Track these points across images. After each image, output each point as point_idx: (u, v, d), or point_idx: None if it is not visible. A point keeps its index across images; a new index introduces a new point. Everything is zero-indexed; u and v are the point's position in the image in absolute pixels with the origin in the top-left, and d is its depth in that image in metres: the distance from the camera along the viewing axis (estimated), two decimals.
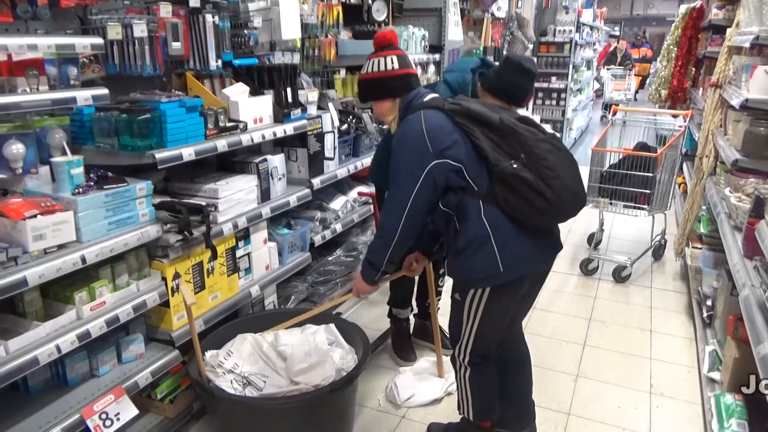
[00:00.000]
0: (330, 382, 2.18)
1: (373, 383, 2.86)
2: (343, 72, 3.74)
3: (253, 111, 2.58)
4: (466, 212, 1.90)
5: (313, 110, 3.04)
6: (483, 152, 1.88)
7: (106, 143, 2.12)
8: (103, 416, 1.98)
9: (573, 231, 5.04)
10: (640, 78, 12.51)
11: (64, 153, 2.00)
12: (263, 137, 2.55)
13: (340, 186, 3.51)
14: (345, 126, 3.30)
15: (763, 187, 2.59)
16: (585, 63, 9.92)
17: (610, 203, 4.15)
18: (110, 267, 2.10)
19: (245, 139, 2.44)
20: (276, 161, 2.78)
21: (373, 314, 3.48)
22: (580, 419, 2.63)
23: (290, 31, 2.83)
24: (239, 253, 2.60)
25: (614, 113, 4.68)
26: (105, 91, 1.94)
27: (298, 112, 2.81)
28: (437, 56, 4.57)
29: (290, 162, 2.99)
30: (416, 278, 3.03)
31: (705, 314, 3.19)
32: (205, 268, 2.41)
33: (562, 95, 8.47)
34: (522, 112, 2.20)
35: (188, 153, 2.17)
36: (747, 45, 3.05)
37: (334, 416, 2.27)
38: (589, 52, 10.37)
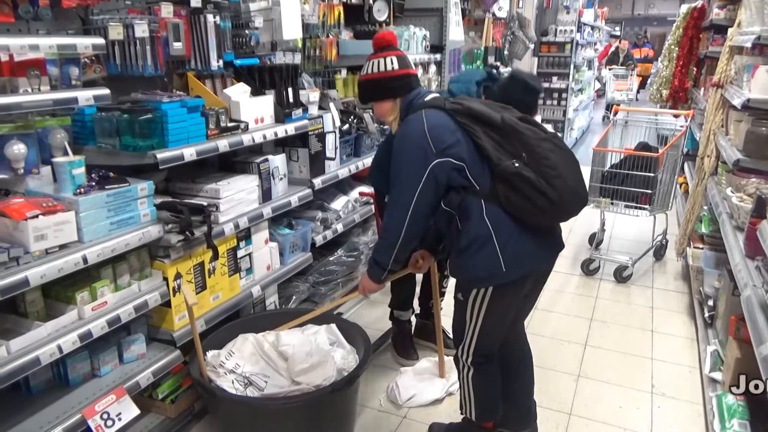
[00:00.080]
0: (331, 382, 2.18)
1: (375, 383, 2.85)
2: (344, 72, 3.74)
3: (255, 111, 2.58)
4: (468, 211, 1.90)
5: (314, 110, 3.04)
6: (485, 151, 1.88)
7: (108, 143, 2.12)
8: (105, 416, 1.98)
9: (574, 231, 5.04)
10: (641, 78, 12.49)
11: (66, 153, 2.01)
12: (264, 137, 2.55)
13: (341, 186, 3.51)
14: (346, 126, 3.30)
15: (764, 187, 2.59)
16: (586, 63, 9.92)
17: (612, 203, 4.15)
18: (112, 267, 2.10)
19: (246, 139, 2.44)
20: (277, 161, 2.78)
21: (374, 314, 3.48)
22: (581, 419, 2.63)
23: (291, 31, 2.83)
24: (240, 253, 2.60)
25: (615, 113, 4.68)
26: (106, 91, 1.94)
27: (299, 112, 2.81)
28: (438, 56, 4.57)
29: (291, 162, 2.99)
30: (419, 278, 3.03)
31: (706, 314, 3.18)
32: (207, 269, 2.41)
33: (563, 95, 8.47)
34: None
35: (189, 153, 2.17)
36: (748, 45, 3.05)
37: (335, 416, 2.27)
38: (590, 52, 10.37)
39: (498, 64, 5.63)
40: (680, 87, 5.99)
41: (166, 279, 2.24)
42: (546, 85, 8.45)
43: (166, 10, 2.24)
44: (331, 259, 3.38)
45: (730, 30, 3.67)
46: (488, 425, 2.28)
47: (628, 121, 4.67)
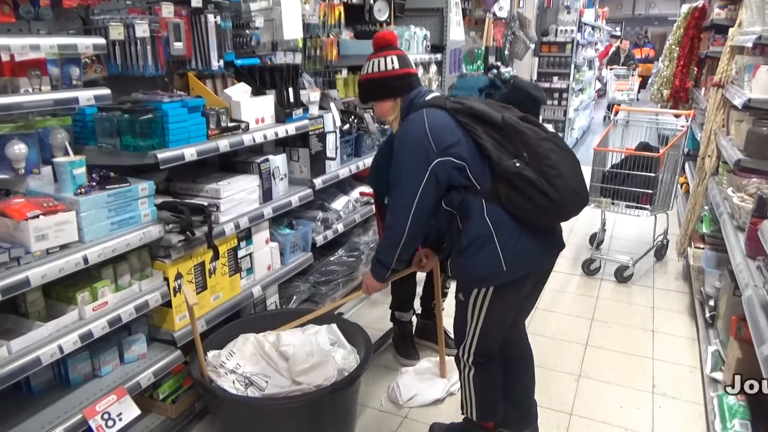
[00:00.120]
0: (332, 382, 2.17)
1: (375, 383, 2.85)
2: (344, 72, 3.74)
3: (255, 111, 2.58)
4: (469, 211, 1.90)
5: (314, 110, 3.04)
6: (486, 151, 1.88)
7: (108, 143, 2.12)
8: (106, 416, 1.98)
9: (575, 231, 5.04)
10: (641, 78, 12.49)
11: (67, 153, 2.01)
12: (265, 137, 2.55)
13: (341, 186, 3.51)
14: (347, 126, 3.30)
15: (765, 187, 2.59)
16: (587, 63, 9.91)
17: (612, 203, 4.15)
18: (112, 267, 2.10)
19: (247, 139, 2.44)
20: (278, 161, 2.78)
21: (375, 314, 3.48)
22: (582, 419, 2.63)
23: (292, 31, 2.83)
24: (241, 253, 2.60)
25: (616, 113, 4.67)
26: (107, 91, 1.94)
27: (299, 112, 2.81)
28: (439, 56, 4.57)
29: (292, 162, 2.99)
30: (421, 278, 3.03)
31: (707, 314, 3.18)
32: (207, 269, 2.41)
33: (564, 95, 8.46)
34: None
35: (190, 153, 2.17)
36: (749, 45, 3.05)
37: (336, 416, 2.27)
38: (591, 52, 10.37)
39: (499, 64, 5.63)
40: (681, 87, 5.99)
41: (166, 279, 2.24)
42: (546, 85, 8.46)
43: (167, 10, 2.24)
44: (331, 259, 3.38)
45: (731, 30, 3.67)
46: (489, 425, 2.28)
47: (629, 121, 4.67)
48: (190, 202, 2.30)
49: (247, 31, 2.64)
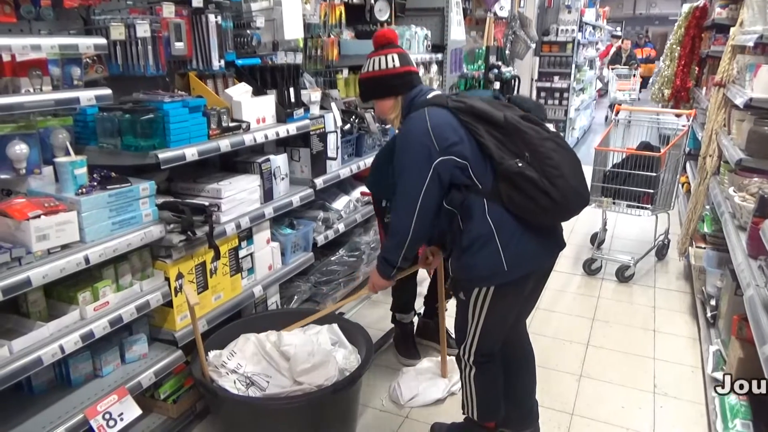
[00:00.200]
0: (333, 382, 2.17)
1: (376, 383, 2.85)
2: (345, 72, 3.74)
3: (256, 111, 2.58)
4: (471, 210, 1.90)
5: (315, 110, 3.04)
6: (488, 150, 1.88)
7: (110, 143, 2.12)
8: (107, 416, 1.98)
9: (576, 231, 5.04)
10: (642, 78, 12.49)
11: (68, 153, 2.01)
12: (266, 137, 2.55)
13: (342, 186, 3.51)
14: (348, 126, 3.30)
15: (767, 187, 2.58)
16: (587, 62, 9.91)
17: (614, 203, 4.15)
18: (113, 267, 2.10)
19: (248, 139, 2.44)
20: (279, 161, 2.78)
21: (376, 314, 3.48)
22: (583, 419, 2.63)
23: (293, 31, 2.83)
24: (242, 253, 2.60)
25: (617, 113, 4.67)
26: (108, 91, 1.94)
27: (300, 112, 2.81)
28: (440, 56, 4.56)
29: (293, 162, 2.99)
30: (422, 278, 3.03)
31: (709, 314, 3.18)
32: (208, 268, 2.41)
33: (565, 95, 8.46)
34: None
35: (191, 153, 2.17)
36: (751, 44, 3.04)
37: (337, 416, 2.27)
38: (592, 52, 10.36)
39: (500, 63, 5.63)
40: (682, 86, 5.99)
41: (167, 279, 2.24)
42: (547, 84, 8.47)
43: (168, 10, 2.24)
44: (332, 258, 3.38)
45: (732, 29, 3.66)
46: (490, 425, 2.27)
47: (631, 121, 4.66)
48: (191, 202, 2.30)
49: (248, 31, 2.64)
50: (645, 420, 2.63)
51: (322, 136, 3.01)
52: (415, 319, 3.18)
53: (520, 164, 1.84)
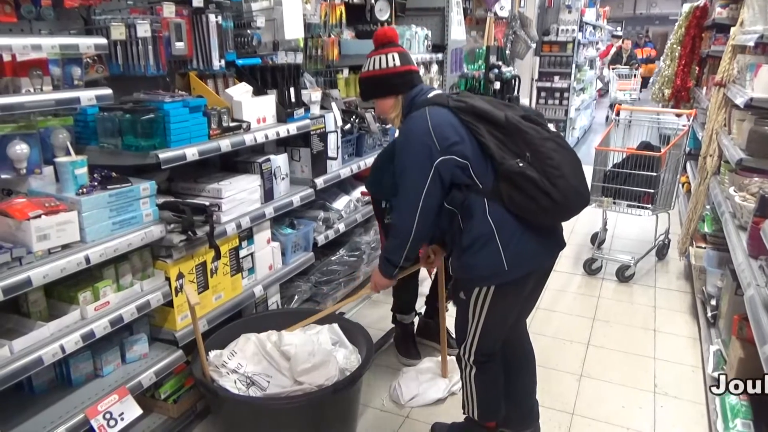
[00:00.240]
0: (334, 382, 2.17)
1: (377, 383, 2.85)
2: (346, 71, 3.74)
3: (257, 111, 2.58)
4: (471, 210, 1.90)
5: (316, 110, 3.04)
6: (488, 150, 1.87)
7: (110, 143, 2.12)
8: (107, 416, 1.98)
9: (576, 231, 5.03)
10: (642, 78, 12.50)
11: (68, 153, 2.01)
12: (266, 137, 2.55)
13: (343, 186, 3.51)
14: (348, 126, 3.30)
15: None
16: (588, 62, 9.91)
17: (614, 203, 4.15)
18: (114, 267, 2.10)
19: (248, 139, 2.44)
20: (279, 161, 2.78)
21: (376, 314, 3.48)
22: (584, 419, 2.63)
23: (293, 30, 2.83)
24: (242, 253, 2.60)
25: (618, 113, 4.67)
26: (108, 91, 1.94)
27: (301, 111, 2.81)
28: (440, 56, 4.57)
29: (293, 162, 2.99)
30: (422, 277, 3.03)
31: (709, 314, 3.18)
32: (209, 268, 2.41)
33: (565, 94, 8.46)
34: None
35: (192, 153, 2.17)
36: (751, 44, 3.04)
37: (337, 416, 2.27)
38: (592, 51, 10.36)
39: (500, 63, 5.63)
40: (682, 86, 5.99)
41: (168, 279, 2.24)
42: (548, 84, 8.47)
43: (168, 10, 2.24)
44: (333, 258, 3.38)
45: (732, 29, 3.66)
46: (491, 425, 2.27)
47: (631, 121, 4.66)
48: (191, 202, 2.30)
49: (249, 31, 2.64)
50: (645, 420, 2.62)
51: (323, 136, 3.01)
52: (416, 319, 3.18)
53: (521, 164, 1.84)
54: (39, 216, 1.77)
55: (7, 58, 1.79)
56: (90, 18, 2.14)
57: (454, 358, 2.36)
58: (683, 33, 6.03)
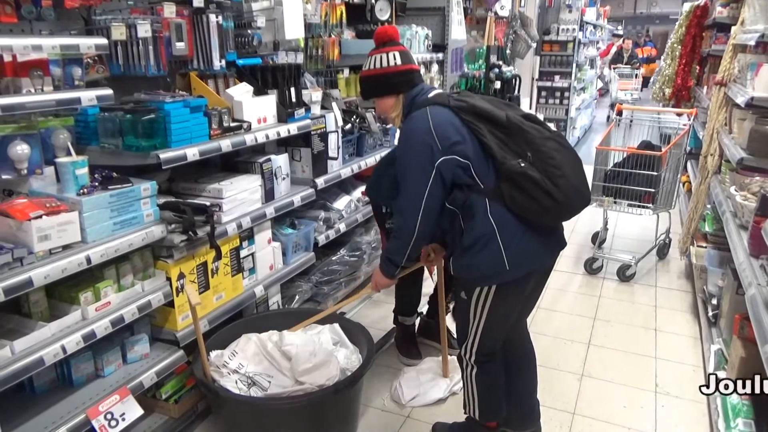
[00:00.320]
0: (335, 382, 2.17)
1: (378, 383, 2.85)
2: (346, 71, 3.75)
3: (257, 111, 2.58)
4: (472, 210, 1.90)
5: (316, 110, 3.04)
6: (490, 150, 1.87)
7: (111, 144, 2.12)
8: (109, 416, 1.98)
9: (577, 230, 5.03)
10: (642, 78, 12.49)
11: (69, 153, 2.01)
12: (267, 137, 2.55)
13: (343, 186, 3.51)
14: (349, 125, 3.30)
15: None
16: (588, 61, 9.90)
17: (615, 202, 4.14)
18: (115, 267, 2.10)
19: (249, 139, 2.44)
20: (280, 161, 2.78)
21: (377, 314, 3.48)
22: (585, 419, 2.62)
23: (294, 30, 2.83)
24: (243, 253, 2.60)
25: (618, 112, 4.66)
26: (109, 91, 1.94)
27: (301, 111, 2.81)
28: (440, 55, 4.57)
29: (294, 162, 2.99)
30: (425, 278, 3.03)
31: (710, 313, 3.17)
32: (210, 268, 2.41)
33: (566, 94, 8.46)
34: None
35: (192, 153, 2.17)
36: (752, 43, 3.04)
37: (338, 416, 2.27)
38: (593, 51, 10.36)
39: (500, 63, 5.63)
40: (683, 85, 5.98)
41: (169, 279, 2.24)
42: (548, 84, 8.46)
43: (169, 10, 2.24)
44: (333, 258, 3.38)
45: (733, 28, 3.66)
46: (492, 425, 2.27)
47: (632, 120, 4.66)
48: (192, 202, 2.30)
49: (249, 31, 2.64)
50: (647, 419, 2.62)
51: (323, 136, 3.01)
52: (417, 320, 3.18)
53: (522, 164, 1.84)
54: (40, 216, 1.77)
55: (7, 58, 1.79)
56: (90, 18, 2.14)
57: (455, 357, 2.36)
58: (684, 32, 6.03)
